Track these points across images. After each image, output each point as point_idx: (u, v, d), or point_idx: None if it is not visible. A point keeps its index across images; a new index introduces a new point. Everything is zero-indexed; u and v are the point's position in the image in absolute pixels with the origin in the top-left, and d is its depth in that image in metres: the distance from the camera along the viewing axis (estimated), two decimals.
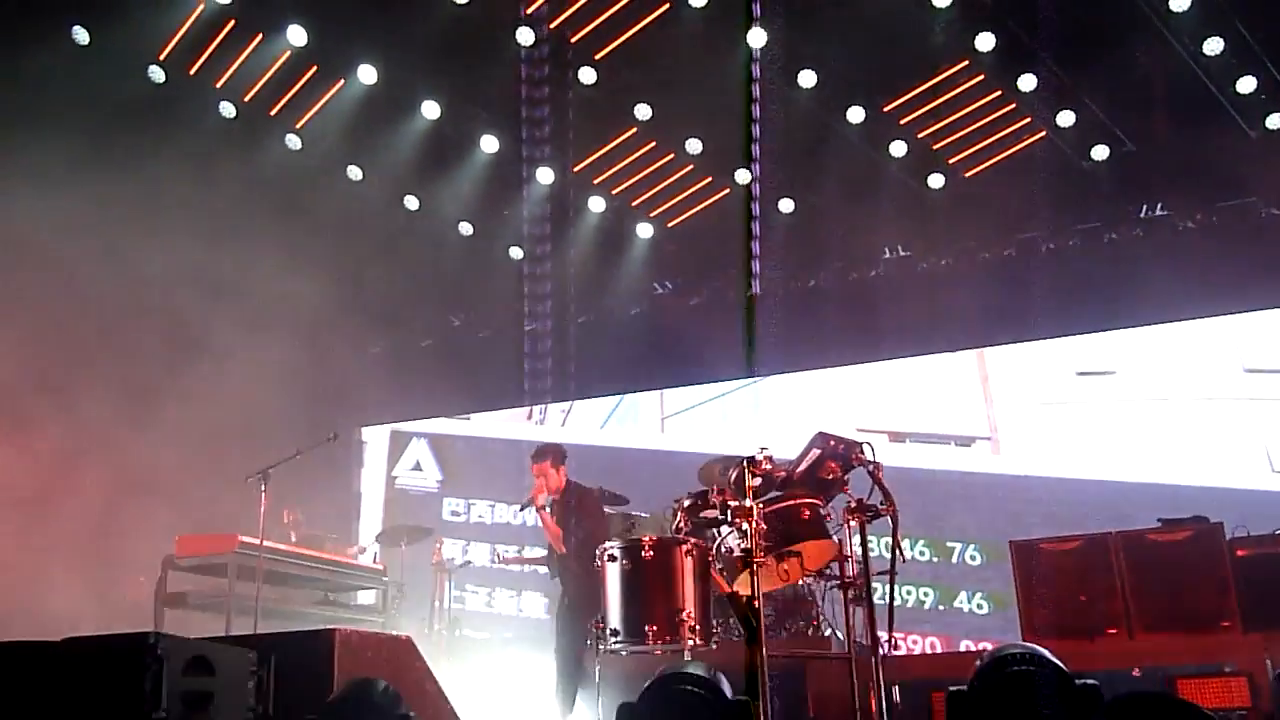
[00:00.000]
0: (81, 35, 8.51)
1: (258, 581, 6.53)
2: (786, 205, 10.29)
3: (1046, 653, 4.04)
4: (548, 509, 7.38)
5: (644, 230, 10.98)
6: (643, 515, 8.11)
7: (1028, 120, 9.18)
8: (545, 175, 10.22)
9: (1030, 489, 9.77)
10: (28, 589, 8.10)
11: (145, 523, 8.32)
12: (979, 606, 9.77)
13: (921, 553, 9.93)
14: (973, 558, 9.91)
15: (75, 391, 8.97)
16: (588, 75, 9.06)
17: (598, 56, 8.89)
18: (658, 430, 11.65)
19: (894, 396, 10.67)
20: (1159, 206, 9.75)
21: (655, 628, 5.05)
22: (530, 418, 12.08)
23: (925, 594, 9.97)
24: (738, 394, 11.32)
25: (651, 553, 5.18)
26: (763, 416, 11.09)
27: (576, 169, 10.10)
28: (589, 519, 7.32)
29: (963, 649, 9.27)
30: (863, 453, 5.38)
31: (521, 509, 7.60)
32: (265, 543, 6.62)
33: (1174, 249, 9.54)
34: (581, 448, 10.40)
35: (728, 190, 10.27)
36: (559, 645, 7.12)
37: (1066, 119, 9.15)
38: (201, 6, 8.41)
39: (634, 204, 10.56)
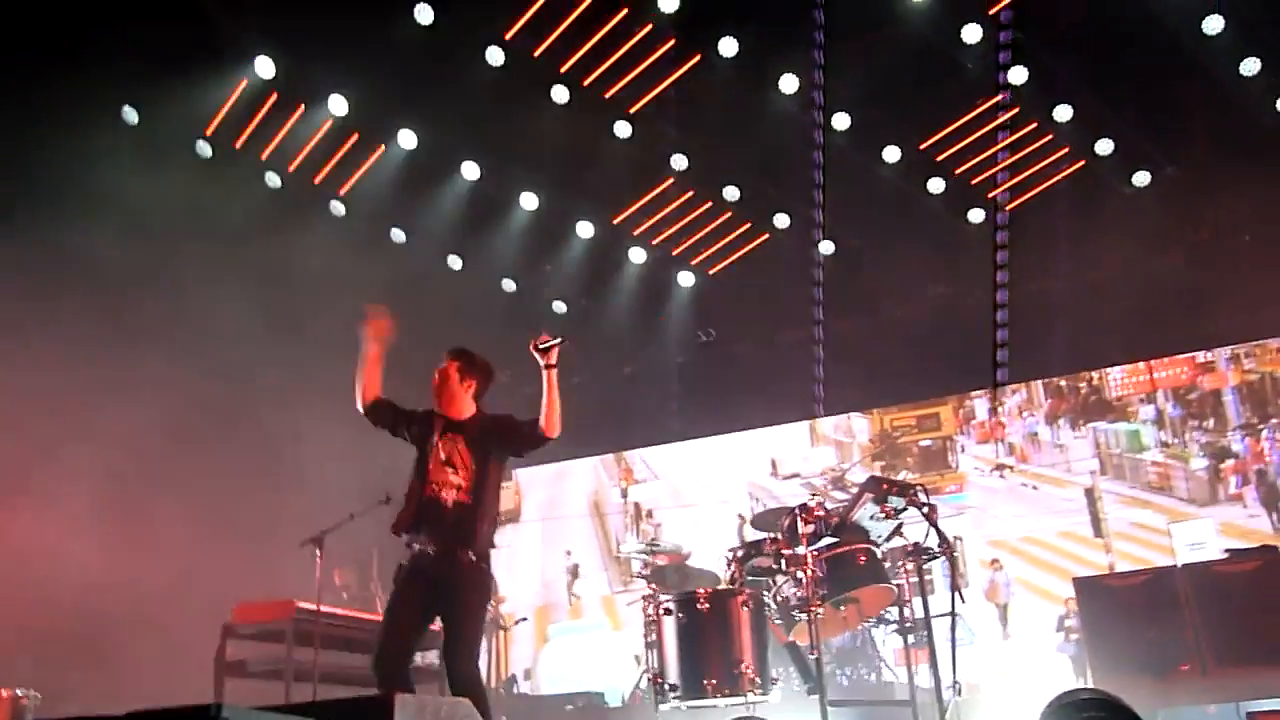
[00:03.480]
0: (131, 115, 8.76)
1: (315, 647, 6.55)
2: (827, 247, 10.30)
3: (1115, 696, 3.94)
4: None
5: (685, 279, 11.02)
6: (695, 568, 8.05)
7: (1066, 150, 9.14)
8: (585, 229, 10.32)
9: None
10: (89, 660, 8.18)
11: (206, 590, 8.41)
12: None
13: None
14: None
15: (133, 468, 9.10)
16: (623, 129, 9.17)
17: (632, 110, 9.00)
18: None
19: None
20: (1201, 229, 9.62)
21: (714, 681, 5.01)
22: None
23: None
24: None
25: (707, 604, 5.15)
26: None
27: (616, 221, 10.19)
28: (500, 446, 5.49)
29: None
30: (915, 495, 5.32)
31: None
32: (321, 608, 6.64)
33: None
34: None
35: (767, 235, 10.30)
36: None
37: (1105, 147, 9.10)
38: (245, 82, 8.64)
39: (675, 253, 10.61)
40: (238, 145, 9.10)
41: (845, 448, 11.00)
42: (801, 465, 11.13)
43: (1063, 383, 10.23)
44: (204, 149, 9.09)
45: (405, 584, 5.15)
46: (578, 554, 11.69)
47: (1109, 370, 10.05)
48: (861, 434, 10.97)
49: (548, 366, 5.43)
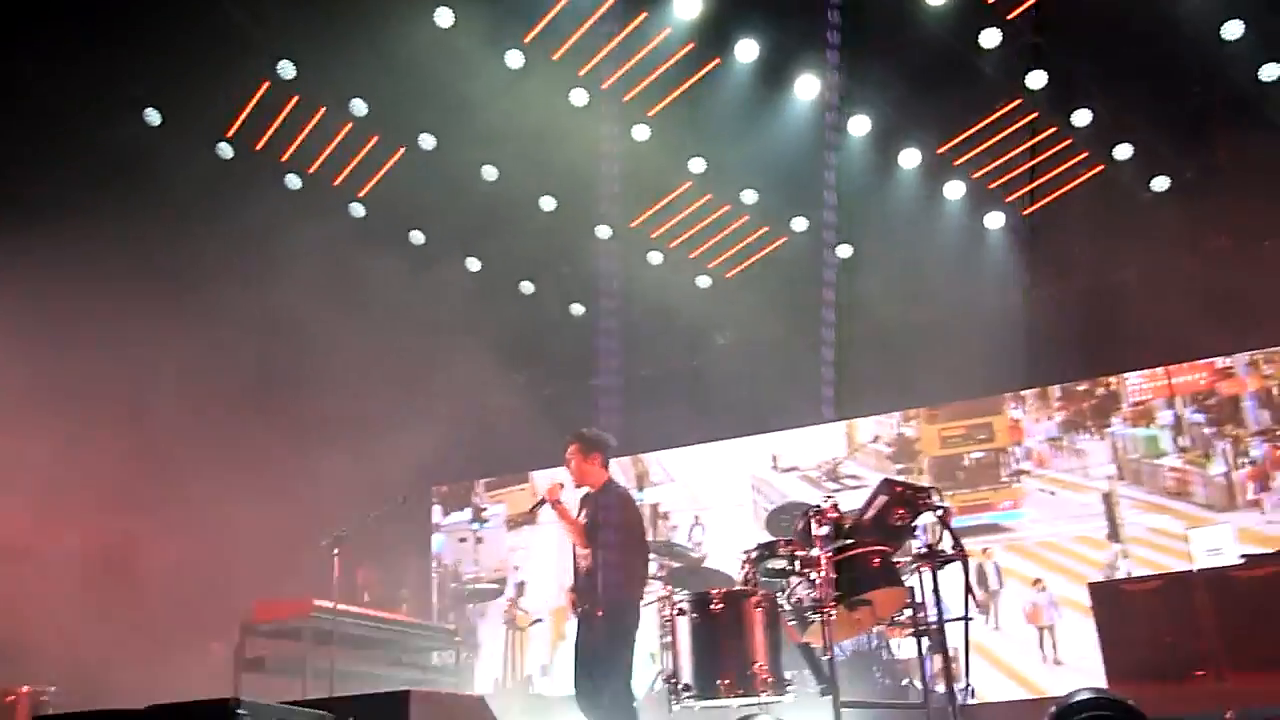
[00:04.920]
0: (154, 117, 8.85)
1: (332, 645, 6.61)
2: (844, 251, 10.30)
3: (1124, 698, 3.94)
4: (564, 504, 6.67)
5: (703, 281, 11.03)
6: (711, 570, 8.08)
7: (1085, 155, 9.12)
8: (603, 232, 10.35)
9: None
10: (106, 657, 8.27)
11: (223, 588, 8.48)
12: None
13: None
14: None
15: (156, 462, 9.20)
16: (641, 132, 9.21)
17: (651, 114, 9.03)
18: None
19: None
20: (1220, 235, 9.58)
21: (728, 681, 5.02)
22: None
23: None
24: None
25: (721, 605, 5.17)
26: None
27: (633, 224, 10.22)
28: (626, 525, 6.45)
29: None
30: (929, 498, 5.33)
31: (532, 509, 7.03)
32: (339, 606, 6.69)
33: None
34: None
35: (785, 239, 10.30)
36: (603, 675, 6.13)
37: (1124, 152, 9.08)
38: (267, 84, 8.72)
39: (692, 256, 10.62)
40: (258, 147, 9.19)
41: (893, 457, 10.77)
42: (799, 459, 11.13)
43: (1081, 387, 10.20)
44: (225, 150, 9.18)
45: None
46: None
47: (1127, 375, 10.02)
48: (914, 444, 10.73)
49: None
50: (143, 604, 8.88)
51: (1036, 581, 9.73)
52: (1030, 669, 9.49)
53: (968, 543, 5.06)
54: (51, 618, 8.11)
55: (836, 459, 10.92)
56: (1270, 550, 6.88)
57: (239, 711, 3.04)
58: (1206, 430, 9.62)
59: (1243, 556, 6.62)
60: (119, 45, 7.88)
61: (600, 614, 6.18)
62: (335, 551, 6.74)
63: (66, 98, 8.05)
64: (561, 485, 6.67)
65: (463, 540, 12.41)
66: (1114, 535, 9.66)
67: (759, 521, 10.78)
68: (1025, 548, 9.96)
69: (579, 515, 6.57)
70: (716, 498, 11.37)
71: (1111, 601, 6.66)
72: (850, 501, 5.58)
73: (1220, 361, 9.71)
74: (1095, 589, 6.95)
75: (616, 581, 6.18)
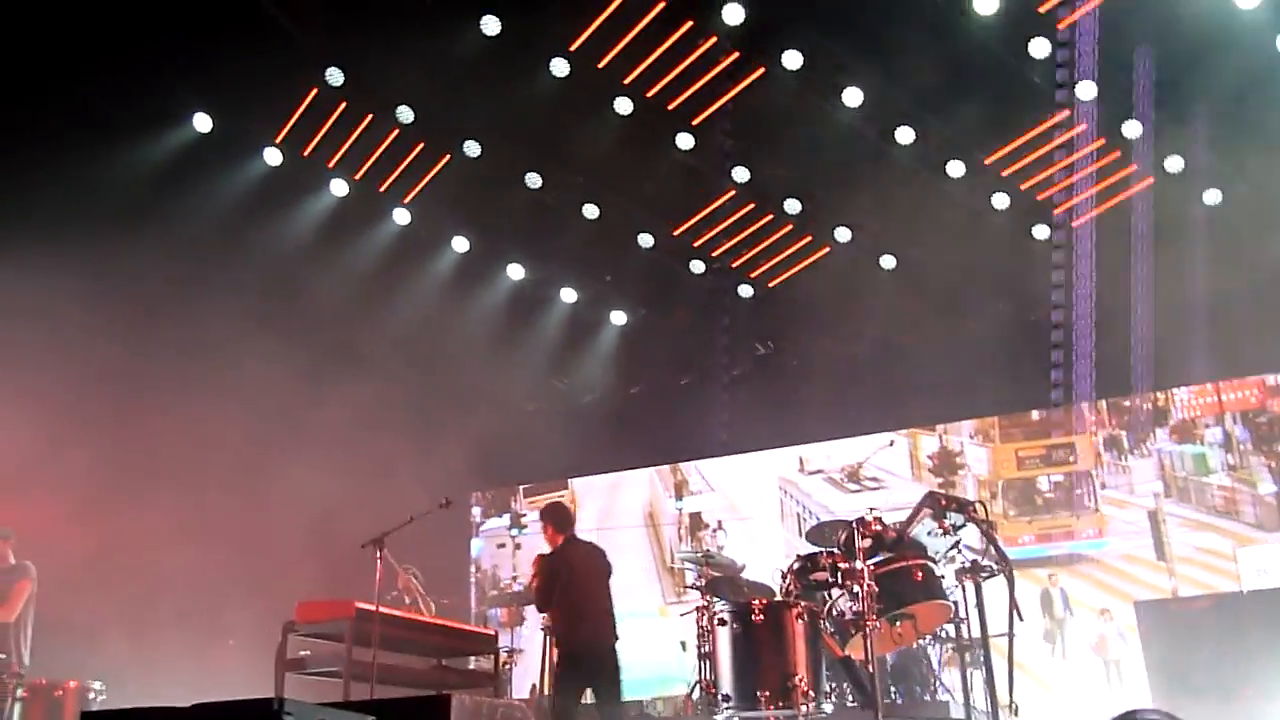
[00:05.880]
0: (204, 123, 8.97)
1: (374, 647, 6.63)
2: (888, 261, 10.24)
3: (1171, 714, 3.88)
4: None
5: (744, 291, 11.00)
6: (751, 580, 8.02)
7: (1134, 167, 9.01)
8: (646, 240, 10.36)
9: None
10: (146, 656, 8.38)
11: (264, 588, 8.57)
12: None
13: None
14: None
15: (202, 464, 9.32)
16: (685, 141, 9.21)
17: (695, 122, 9.03)
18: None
19: None
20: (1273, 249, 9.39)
21: (768, 693, 4.98)
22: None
23: None
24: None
25: (762, 616, 5.14)
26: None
27: (676, 232, 10.22)
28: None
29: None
30: (975, 510, 5.28)
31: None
32: (380, 609, 6.72)
33: None
34: None
35: (829, 249, 10.26)
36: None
37: (1175, 164, 8.96)
38: (316, 90, 8.81)
39: (734, 265, 10.60)
40: (306, 153, 9.29)
41: (958, 482, 10.43)
42: (825, 462, 11.10)
43: (1128, 402, 10.06)
44: (273, 155, 9.28)
45: None
46: (633, 563, 11.70)
47: (1175, 390, 9.87)
48: (978, 464, 10.37)
49: None
50: (181, 603, 9.01)
51: (1104, 611, 9.39)
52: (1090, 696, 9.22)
53: (1040, 573, 4.98)
54: (90, 613, 8.23)
55: (858, 461, 10.83)
56: None
57: (285, 711, 3.05)
58: (1258, 448, 9.46)
59: None
60: (168, 52, 7.99)
61: None
62: (378, 554, 6.77)
63: (116, 103, 8.17)
64: None
65: (501, 546, 12.46)
66: (1160, 554, 9.51)
67: (785, 527, 10.76)
68: (1091, 574, 9.72)
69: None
70: (756, 508, 11.34)
71: (1158, 620, 6.58)
72: (872, 501, 5.54)
73: (1271, 379, 9.56)
74: (1141, 608, 6.87)
75: None
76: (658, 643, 10.58)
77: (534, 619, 11.01)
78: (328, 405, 9.55)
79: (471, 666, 9.10)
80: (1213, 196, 9.21)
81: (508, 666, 9.07)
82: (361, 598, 6.60)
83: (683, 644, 6.29)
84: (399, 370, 10.25)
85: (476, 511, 12.69)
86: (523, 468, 12.39)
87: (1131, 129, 8.70)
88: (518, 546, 12.38)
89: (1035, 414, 10.36)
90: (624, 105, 8.91)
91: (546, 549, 7.08)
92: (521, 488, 12.56)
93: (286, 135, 9.15)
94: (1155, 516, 9.66)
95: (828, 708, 5.12)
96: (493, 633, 9.19)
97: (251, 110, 8.94)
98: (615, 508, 12.07)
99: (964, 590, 5.21)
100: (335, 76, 8.74)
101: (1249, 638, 6.14)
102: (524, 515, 12.47)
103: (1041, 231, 9.70)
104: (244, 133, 9.12)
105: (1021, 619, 5.08)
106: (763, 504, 11.31)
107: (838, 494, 10.91)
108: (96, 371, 8.58)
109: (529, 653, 11.08)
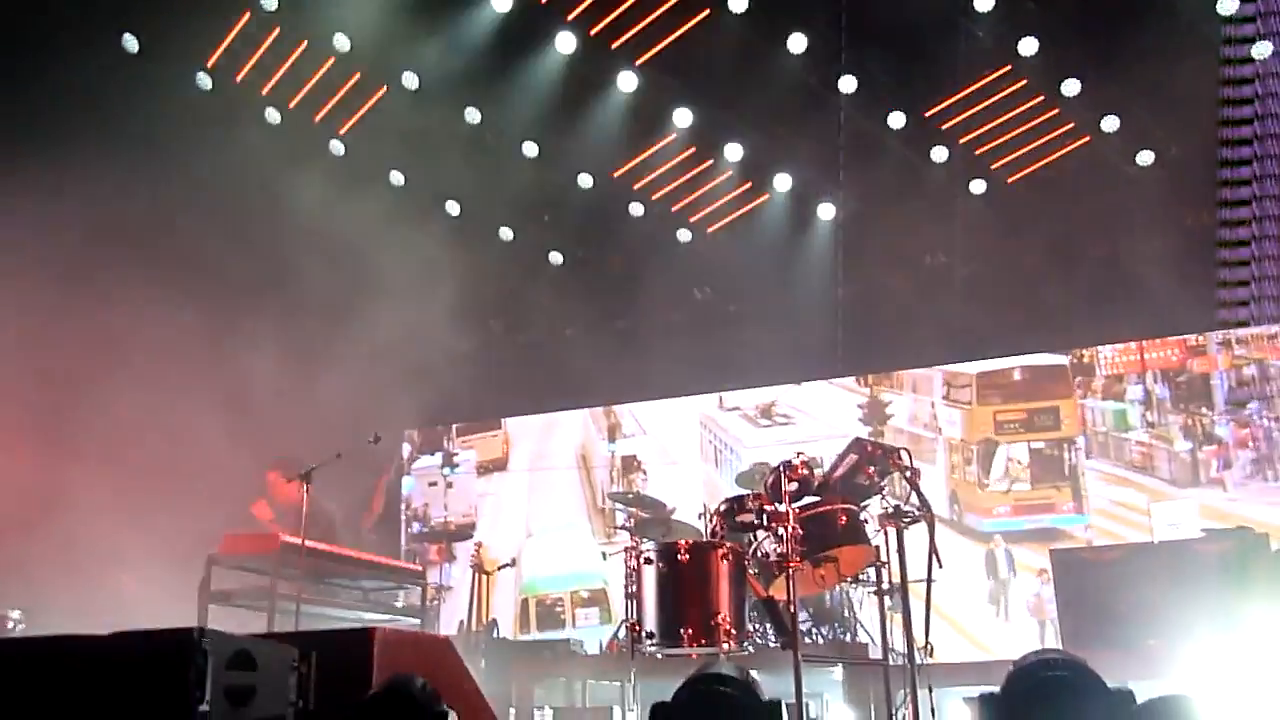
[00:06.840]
0: (131, 43, 8.68)
1: (298, 580, 6.62)
2: (826, 211, 10.29)
3: (1082, 660, 4.00)
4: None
5: (683, 236, 10.99)
6: (682, 521, 8.13)
7: (1071, 126, 9.12)
8: (585, 180, 10.28)
9: None
10: (68, 584, 8.25)
11: (190, 520, 8.46)
12: None
13: None
14: None
15: (118, 387, 9.11)
16: (628, 81, 9.12)
17: (639, 63, 8.95)
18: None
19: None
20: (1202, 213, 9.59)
21: (690, 631, 5.05)
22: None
23: None
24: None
25: (687, 556, 5.18)
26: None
27: (616, 174, 10.16)
28: None
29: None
30: (900, 459, 5.37)
31: None
32: (306, 542, 6.69)
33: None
34: None
35: (768, 196, 10.27)
36: None
37: (1111, 124, 9.08)
38: (248, 15, 8.56)
39: (674, 209, 10.58)
40: (238, 79, 9.04)
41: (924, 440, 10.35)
42: (742, 400, 11.25)
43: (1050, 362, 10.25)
44: (204, 81, 9.03)
45: None
46: (564, 504, 11.76)
47: (1100, 348, 10.09)
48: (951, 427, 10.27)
49: None
50: (101, 531, 8.86)
51: (1041, 571, 9.27)
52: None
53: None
54: (11, 540, 8.08)
55: (774, 401, 10.96)
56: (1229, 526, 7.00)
57: (202, 641, 3.04)
58: (1175, 406, 9.71)
59: (1202, 531, 6.73)
60: None
61: None
62: (305, 488, 6.74)
63: (40, 20, 7.88)
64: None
65: (433, 484, 12.42)
66: (1078, 507, 9.76)
67: (704, 460, 10.87)
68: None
69: None
70: (687, 452, 11.43)
71: (1071, 569, 6.76)
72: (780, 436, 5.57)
73: (1193, 339, 9.80)
74: (1056, 556, 7.06)
75: None
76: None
77: (464, 558, 11.13)
78: (258, 339, 9.39)
79: (399, 602, 9.12)
80: (1145, 158, 9.36)
81: (434, 602, 9.10)
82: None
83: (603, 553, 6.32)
84: (331, 306, 10.09)
85: (407, 452, 12.63)
86: (457, 407, 12.32)
87: (1070, 87, 8.78)
88: (449, 485, 12.36)
89: (1016, 374, 10.32)
90: (567, 42, 8.80)
91: (471, 489, 7.06)
92: (455, 426, 12.51)
93: (218, 60, 8.90)
94: (1075, 470, 9.90)
95: (749, 647, 5.22)
96: (420, 568, 9.22)
97: (184, 31, 8.67)
98: (548, 449, 12.08)
99: (886, 535, 5.30)
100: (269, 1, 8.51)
101: (1156, 587, 6.33)
102: (455, 455, 12.44)
103: (978, 186, 9.80)
104: (175, 56, 8.84)
105: (941, 565, 5.17)
106: (692, 447, 11.41)
107: (750, 428, 11.10)
108: (15, 301, 8.34)
109: (458, 590, 11.19)
